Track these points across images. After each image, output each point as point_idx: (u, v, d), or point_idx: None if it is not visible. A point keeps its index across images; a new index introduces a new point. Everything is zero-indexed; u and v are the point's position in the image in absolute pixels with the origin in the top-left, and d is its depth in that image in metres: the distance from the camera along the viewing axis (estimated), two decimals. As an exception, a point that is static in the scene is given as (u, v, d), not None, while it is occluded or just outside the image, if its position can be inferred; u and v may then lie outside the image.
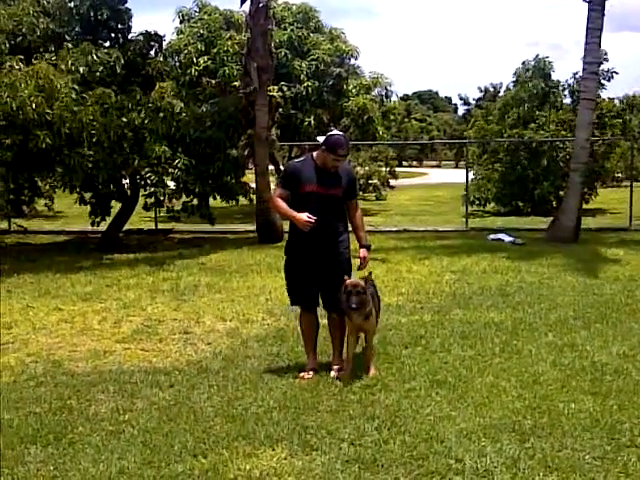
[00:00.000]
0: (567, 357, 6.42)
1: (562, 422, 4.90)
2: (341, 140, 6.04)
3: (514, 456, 4.40)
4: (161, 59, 14.80)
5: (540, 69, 24.04)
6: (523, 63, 24.51)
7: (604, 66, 21.49)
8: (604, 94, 24.08)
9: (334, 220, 6.12)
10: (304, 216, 5.91)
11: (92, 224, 15.38)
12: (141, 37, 14.58)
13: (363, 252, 6.25)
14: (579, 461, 4.34)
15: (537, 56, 24.39)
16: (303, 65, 21.41)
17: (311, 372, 6.13)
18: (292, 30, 21.95)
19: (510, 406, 5.22)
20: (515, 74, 24.86)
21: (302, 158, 6.42)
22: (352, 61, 23.60)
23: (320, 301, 6.25)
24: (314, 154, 6.22)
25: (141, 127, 13.22)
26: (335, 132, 6.42)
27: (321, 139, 6.26)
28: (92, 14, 14.15)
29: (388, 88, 24.30)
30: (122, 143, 12.91)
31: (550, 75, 24.27)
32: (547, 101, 24.01)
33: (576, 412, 5.07)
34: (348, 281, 5.92)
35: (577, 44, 68.49)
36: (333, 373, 6.10)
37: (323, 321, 6.46)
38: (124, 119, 12.78)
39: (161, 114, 13.38)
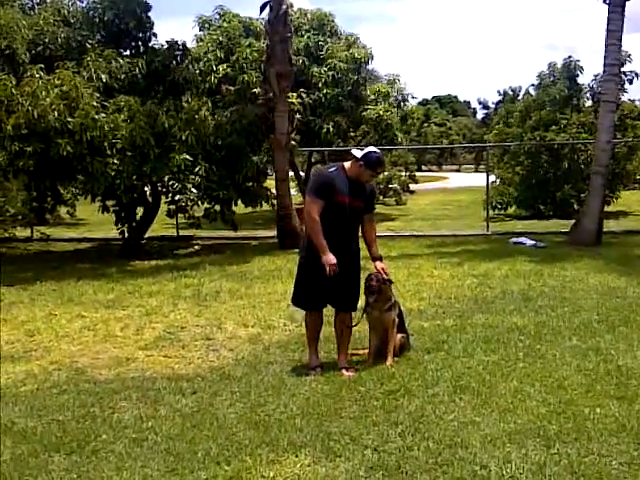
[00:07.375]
0: (591, 361, 6.36)
1: (588, 427, 4.85)
2: (382, 159, 6.34)
3: (540, 462, 4.36)
4: (189, 67, 14.83)
5: (570, 71, 23.77)
6: (549, 66, 24.26)
7: (626, 67, 21.33)
8: (625, 97, 23.88)
9: (356, 230, 6.40)
10: (332, 260, 6.03)
11: (121, 233, 15.01)
12: (166, 45, 14.64)
13: (380, 264, 6.50)
14: (606, 467, 4.29)
15: (569, 57, 24.16)
16: (322, 72, 21.40)
17: (318, 369, 6.32)
18: (309, 37, 21.96)
19: (535, 411, 5.18)
20: (538, 77, 24.62)
21: (333, 168, 6.36)
22: (368, 65, 23.51)
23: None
24: (345, 165, 6.30)
25: (169, 134, 13.24)
26: (373, 149, 6.39)
27: (356, 152, 6.28)
28: (115, 23, 14.26)
29: (404, 92, 24.20)
30: (147, 150, 12.92)
31: (576, 78, 24.01)
32: (570, 104, 23.80)
33: (602, 417, 5.02)
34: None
35: (593, 47, 68.08)
36: (345, 373, 6.23)
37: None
38: (148, 127, 12.75)
39: (193, 127, 13.40)
